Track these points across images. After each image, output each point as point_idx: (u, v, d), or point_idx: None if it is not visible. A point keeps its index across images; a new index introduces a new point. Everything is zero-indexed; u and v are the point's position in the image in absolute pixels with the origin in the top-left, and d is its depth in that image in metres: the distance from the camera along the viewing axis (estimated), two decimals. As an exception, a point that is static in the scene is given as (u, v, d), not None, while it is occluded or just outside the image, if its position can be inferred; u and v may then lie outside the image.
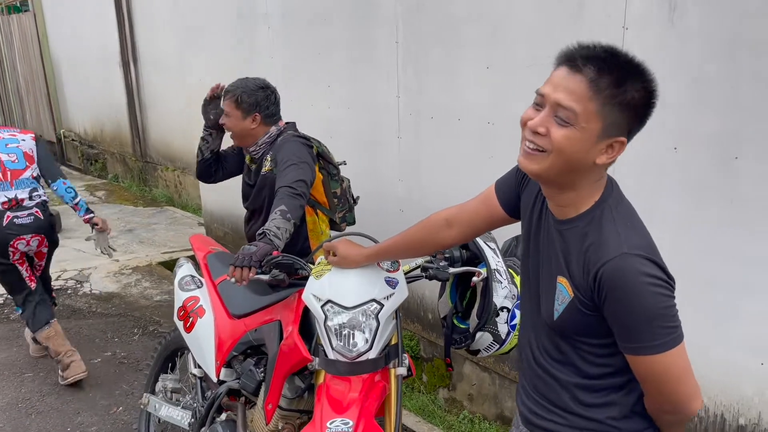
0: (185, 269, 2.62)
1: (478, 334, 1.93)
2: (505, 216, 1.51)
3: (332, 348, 1.77)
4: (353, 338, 1.75)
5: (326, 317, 1.77)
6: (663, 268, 1.18)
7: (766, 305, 2.07)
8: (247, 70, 4.45)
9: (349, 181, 2.90)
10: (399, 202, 3.48)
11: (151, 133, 7.81)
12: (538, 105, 1.20)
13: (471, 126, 2.99)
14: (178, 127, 7.04)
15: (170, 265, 5.43)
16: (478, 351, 1.99)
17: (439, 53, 3.05)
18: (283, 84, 4.14)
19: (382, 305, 1.78)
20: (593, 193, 1.25)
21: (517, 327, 1.96)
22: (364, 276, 1.81)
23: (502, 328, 1.93)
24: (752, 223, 2.06)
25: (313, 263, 1.97)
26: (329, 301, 1.78)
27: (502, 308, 1.91)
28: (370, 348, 1.76)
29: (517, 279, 1.99)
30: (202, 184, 5.54)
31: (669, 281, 1.18)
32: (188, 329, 2.40)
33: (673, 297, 1.18)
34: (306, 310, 1.97)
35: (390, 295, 1.80)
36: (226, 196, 4.91)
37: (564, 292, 1.25)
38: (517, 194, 1.47)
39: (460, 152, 3.07)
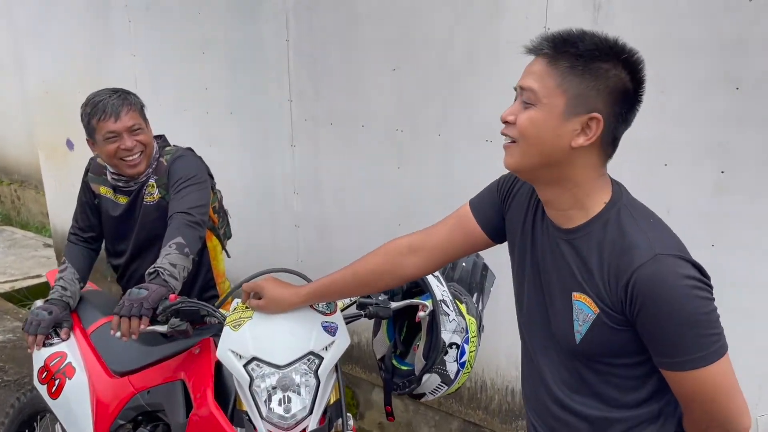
0: (43, 316, 2.10)
1: (425, 377, 1.68)
2: (485, 239, 1.34)
3: (262, 417, 1.42)
4: (288, 403, 1.41)
5: (252, 379, 1.41)
6: (700, 269, 1.06)
7: None
8: (103, 72, 3.89)
9: (221, 192, 2.46)
10: (294, 218, 3.14)
11: (-21, 141, 6.75)
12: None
13: (377, 133, 2.72)
14: (14, 135, 6.14)
15: (13, 298, 4.65)
16: (423, 395, 1.74)
17: (338, 53, 2.76)
18: (149, 86, 3.64)
19: (321, 358, 1.45)
20: (600, 192, 1.13)
21: (467, 364, 1.74)
22: (296, 323, 1.48)
23: (451, 367, 1.70)
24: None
25: (224, 308, 1.60)
26: (254, 358, 1.42)
27: (450, 344, 1.68)
28: (310, 413, 1.42)
29: (463, 308, 1.76)
30: (48, 198, 4.79)
31: (708, 282, 1.06)
32: (54, 395, 1.91)
33: (714, 300, 1.06)
34: (217, 366, 1.59)
35: (329, 345, 1.48)
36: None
37: (585, 309, 1.11)
38: (499, 213, 1.31)
39: (365, 162, 2.79)
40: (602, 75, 1.04)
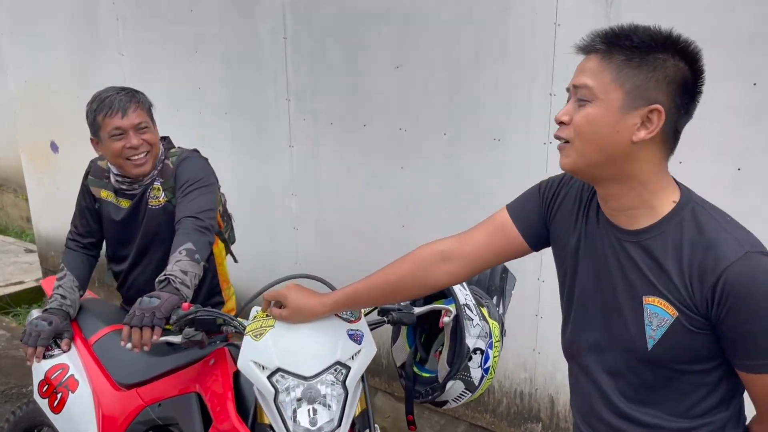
0: (41, 326, 2.00)
1: (449, 384, 1.63)
2: (524, 247, 1.28)
3: (288, 430, 1.35)
4: (314, 415, 1.35)
5: (277, 391, 1.35)
6: None
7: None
8: (90, 71, 3.77)
9: (224, 195, 2.38)
10: (293, 220, 3.07)
11: (-46, 144, 6.54)
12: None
13: (379, 133, 2.67)
14: (-7, 137, 5.96)
15: (-6, 306, 4.50)
16: (446, 402, 1.69)
17: (339, 51, 2.70)
18: (138, 85, 3.52)
19: (348, 368, 1.39)
20: (666, 191, 1.08)
21: (491, 370, 1.69)
22: (321, 331, 1.41)
23: (476, 373, 1.64)
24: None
25: (241, 315, 1.53)
26: (279, 369, 1.35)
27: (475, 350, 1.63)
28: (339, 425, 1.36)
29: (485, 312, 1.71)
30: (32, 202, 4.65)
31: None
32: (56, 409, 1.82)
33: None
34: (236, 377, 1.52)
35: (356, 354, 1.42)
36: (67, 213, 4.14)
37: (661, 313, 1.05)
38: (542, 220, 1.26)
39: (367, 162, 2.73)
40: (660, 65, 1.00)
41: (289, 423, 1.35)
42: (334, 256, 2.96)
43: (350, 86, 2.70)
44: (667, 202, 1.07)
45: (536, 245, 1.28)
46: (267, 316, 1.46)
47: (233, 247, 2.36)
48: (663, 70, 1.00)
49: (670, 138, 1.06)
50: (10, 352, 3.86)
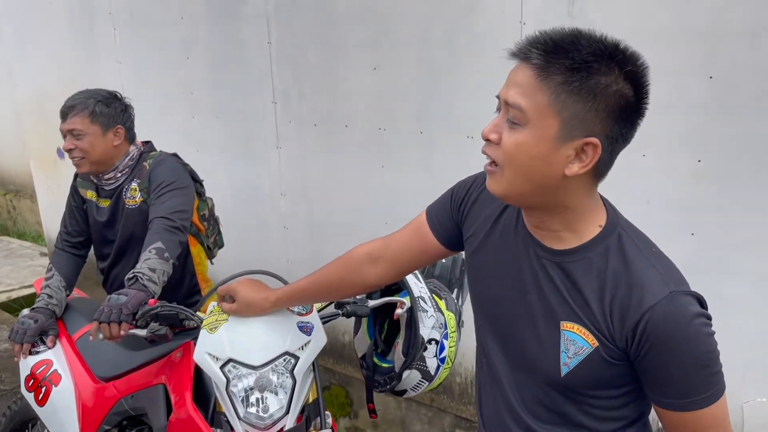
0: (29, 324, 2.11)
1: (405, 373, 1.69)
2: (441, 248, 1.26)
3: (239, 418, 1.43)
4: (265, 403, 1.42)
5: (228, 381, 1.42)
6: (704, 303, 0.98)
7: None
8: (90, 79, 3.89)
9: (212, 200, 2.49)
10: (282, 219, 3.15)
11: (-27, 152, 6.76)
12: (499, 111, 0.99)
13: (360, 133, 2.73)
14: (8, 145, 6.15)
15: (10, 308, 4.66)
16: (405, 391, 1.75)
17: (320, 54, 2.77)
18: (134, 92, 3.63)
19: (297, 358, 1.46)
20: (593, 215, 1.02)
21: (447, 360, 1.74)
22: (272, 324, 1.48)
23: (431, 363, 1.70)
24: (663, 225, 2.00)
25: (202, 311, 1.61)
26: (230, 360, 1.43)
27: (430, 341, 1.68)
28: (287, 413, 1.43)
29: (442, 304, 1.76)
30: (41, 207, 4.81)
31: (710, 316, 0.98)
32: (41, 402, 1.92)
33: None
34: (198, 369, 1.60)
35: (305, 344, 1.49)
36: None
37: (579, 341, 1.00)
38: (454, 222, 1.23)
39: (350, 162, 2.80)
40: (601, 92, 0.89)
41: (241, 410, 1.42)
42: (324, 253, 3.02)
43: (331, 88, 2.77)
44: (592, 226, 1.01)
45: (452, 246, 1.25)
46: (222, 311, 1.54)
47: (221, 251, 2.45)
48: (604, 98, 0.90)
49: (605, 167, 0.97)
50: (21, 351, 4.00)
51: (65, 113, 2.06)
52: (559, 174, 0.94)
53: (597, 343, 0.98)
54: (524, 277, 1.06)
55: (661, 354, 0.94)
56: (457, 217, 1.22)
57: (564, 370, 1.02)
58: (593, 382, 1.02)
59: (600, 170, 0.97)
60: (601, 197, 1.06)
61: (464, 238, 1.21)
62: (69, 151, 2.06)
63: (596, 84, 0.89)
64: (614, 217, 1.03)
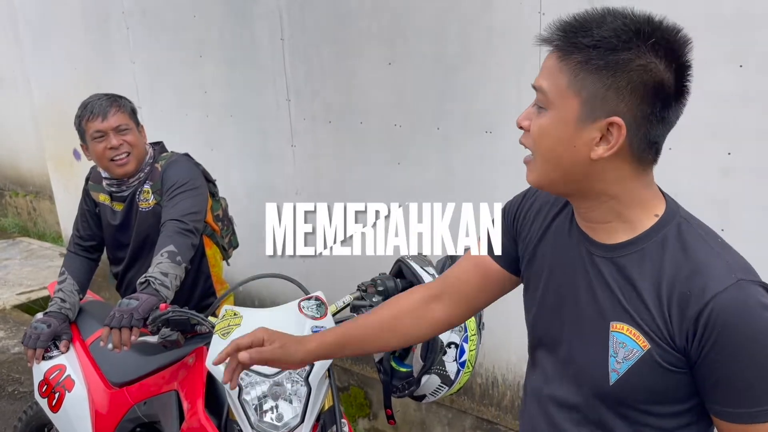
0: (43, 328, 2.09)
1: (424, 378, 1.63)
2: (502, 272, 1.15)
3: (252, 427, 1.38)
4: (278, 411, 1.37)
5: (241, 389, 1.38)
6: None
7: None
8: (105, 81, 3.89)
9: (225, 200, 2.42)
10: (298, 219, 3.11)
11: (-7, 155, 6.83)
12: None
13: (375, 129, 2.68)
14: (26, 147, 6.20)
15: (30, 309, 4.68)
16: (424, 396, 1.70)
17: (333, 50, 2.72)
18: (149, 92, 3.64)
19: (312, 365, 1.41)
20: (646, 204, 0.93)
21: (467, 364, 1.68)
22: (285, 329, 1.42)
23: (451, 367, 1.65)
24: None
25: (215, 315, 1.56)
26: (243, 367, 1.38)
27: (449, 344, 1.63)
28: (302, 421, 1.39)
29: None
30: (59, 208, 4.83)
31: None
32: (54, 408, 1.89)
33: None
34: (210, 375, 1.56)
35: (320, 350, 1.43)
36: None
37: (630, 343, 0.91)
38: (510, 238, 1.13)
39: (365, 159, 2.75)
40: (622, 69, 0.84)
41: (254, 419, 1.38)
42: (338, 255, 2.98)
43: (345, 84, 2.72)
44: (646, 216, 0.93)
45: (512, 269, 1.14)
46: (235, 315, 1.49)
47: (236, 252, 2.41)
48: (625, 74, 0.84)
49: (642, 151, 0.89)
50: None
51: (104, 112, 1.97)
52: (585, 158, 0.90)
53: (648, 345, 0.89)
54: (577, 281, 0.99)
55: (726, 350, 0.84)
56: (512, 231, 1.14)
57: (613, 377, 0.93)
58: (645, 394, 0.92)
59: (637, 155, 0.89)
60: (660, 190, 0.98)
61: (519, 254, 1.12)
62: (115, 148, 1.97)
63: (616, 60, 0.85)
64: (674, 207, 0.95)
